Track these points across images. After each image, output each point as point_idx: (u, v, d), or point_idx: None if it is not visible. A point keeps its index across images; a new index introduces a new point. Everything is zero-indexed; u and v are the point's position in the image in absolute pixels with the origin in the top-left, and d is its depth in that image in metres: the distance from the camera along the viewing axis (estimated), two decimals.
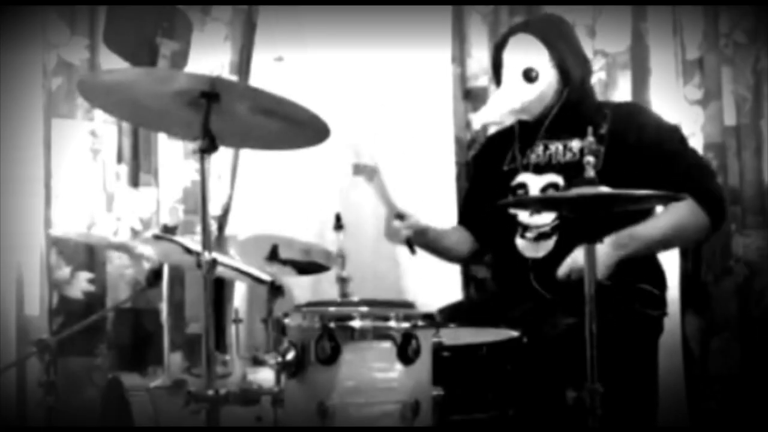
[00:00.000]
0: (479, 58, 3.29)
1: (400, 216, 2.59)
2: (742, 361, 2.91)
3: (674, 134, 2.59)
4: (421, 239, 2.64)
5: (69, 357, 2.75)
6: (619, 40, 3.13)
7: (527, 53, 2.60)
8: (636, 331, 2.42)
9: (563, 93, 2.58)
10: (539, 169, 2.59)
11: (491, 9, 3.33)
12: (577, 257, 2.29)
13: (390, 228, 2.60)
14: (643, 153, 2.44)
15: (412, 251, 2.62)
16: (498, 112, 2.68)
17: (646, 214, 2.46)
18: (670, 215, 2.42)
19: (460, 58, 3.32)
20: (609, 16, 3.15)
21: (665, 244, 2.47)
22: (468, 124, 3.29)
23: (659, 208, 2.50)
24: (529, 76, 2.57)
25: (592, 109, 2.60)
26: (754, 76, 2.98)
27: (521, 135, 2.68)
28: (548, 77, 2.58)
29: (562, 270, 2.34)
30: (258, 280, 2.18)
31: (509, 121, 2.77)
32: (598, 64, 3.12)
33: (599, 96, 3.05)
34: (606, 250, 2.29)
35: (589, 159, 1.94)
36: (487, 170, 2.78)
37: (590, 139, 1.97)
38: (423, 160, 3.30)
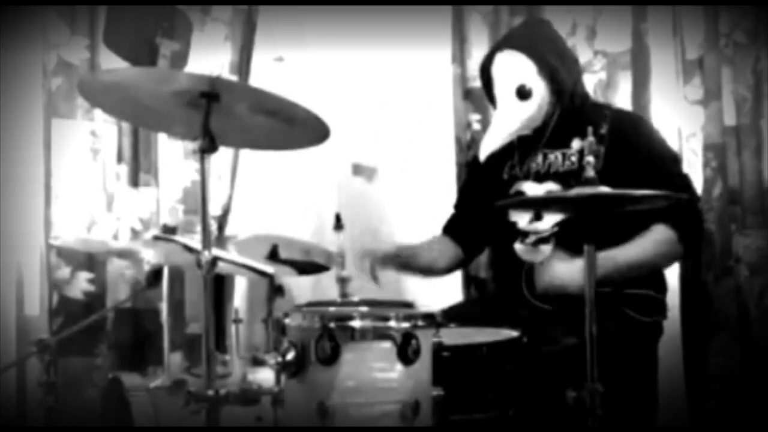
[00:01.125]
0: (479, 58, 3.27)
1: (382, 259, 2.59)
2: (742, 361, 2.90)
3: (671, 157, 2.58)
4: (394, 262, 2.65)
5: (69, 357, 2.75)
6: (620, 40, 3.13)
7: (515, 70, 2.58)
8: (635, 335, 2.42)
9: (558, 103, 2.58)
10: (539, 177, 2.59)
11: (491, 9, 3.33)
12: (554, 273, 2.30)
13: (360, 263, 2.59)
14: (637, 166, 2.43)
15: (377, 282, 2.61)
16: (501, 138, 2.66)
17: (644, 214, 2.46)
18: (648, 244, 2.41)
19: (460, 58, 3.32)
20: (609, 16, 3.15)
21: (639, 269, 2.44)
22: (468, 125, 3.29)
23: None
24: (523, 93, 2.56)
25: (590, 110, 2.59)
26: (754, 76, 2.97)
27: (520, 144, 2.67)
28: (540, 90, 2.57)
29: (542, 285, 2.34)
30: (260, 273, 2.18)
31: (511, 139, 2.76)
32: (598, 64, 3.12)
33: (599, 97, 3.05)
34: (581, 269, 2.29)
35: (589, 159, 1.93)
36: (483, 178, 2.77)
37: (590, 139, 1.96)
38: (423, 160, 3.31)
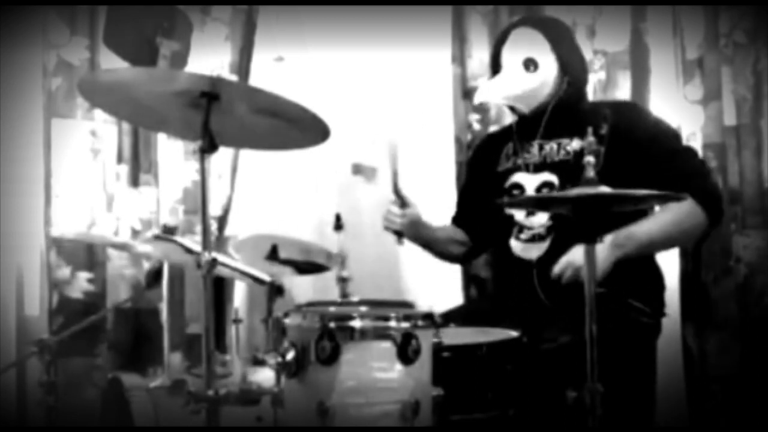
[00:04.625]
0: (479, 58, 3.29)
1: (403, 203, 2.57)
2: (742, 361, 2.91)
3: (672, 133, 2.59)
4: (415, 231, 2.63)
5: (69, 357, 2.75)
6: (619, 40, 3.13)
7: (529, 45, 2.62)
8: (633, 334, 2.42)
9: (561, 88, 2.58)
10: (534, 168, 2.60)
11: (491, 9, 3.33)
12: (573, 256, 2.29)
13: (390, 213, 2.59)
14: (641, 152, 2.44)
15: (400, 241, 2.61)
16: (498, 94, 2.68)
17: (645, 214, 2.46)
18: (668, 214, 2.41)
19: (460, 58, 3.32)
20: (609, 16, 3.15)
21: (663, 243, 2.46)
22: (468, 125, 3.29)
23: (657, 207, 2.50)
24: (529, 65, 2.59)
25: (588, 110, 2.59)
26: (754, 76, 2.98)
27: (518, 134, 2.68)
28: (548, 69, 2.59)
29: (558, 268, 2.33)
30: (258, 281, 2.18)
31: (504, 103, 2.77)
32: (598, 64, 3.12)
33: (599, 96, 3.06)
34: (603, 250, 2.29)
35: (589, 159, 1.93)
36: (483, 170, 2.78)
37: (590, 139, 1.96)
38: (423, 160, 3.31)
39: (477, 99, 2.73)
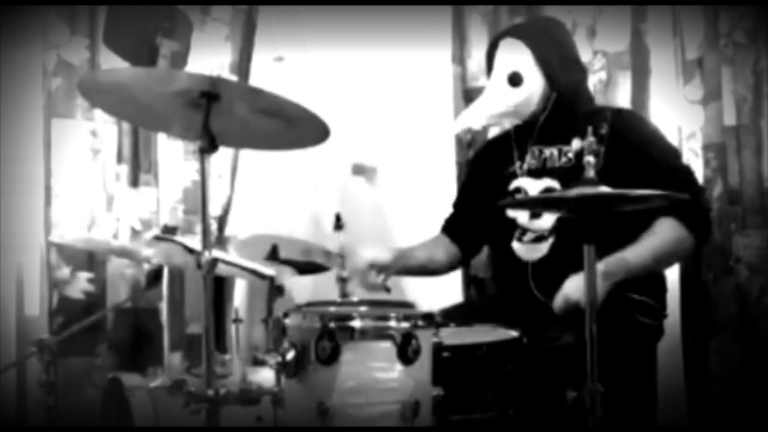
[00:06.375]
0: (479, 58, 3.29)
1: (379, 268, 2.54)
2: (742, 361, 2.90)
3: (671, 150, 2.58)
4: (397, 273, 2.63)
5: (69, 357, 2.75)
6: (619, 40, 3.13)
7: (513, 57, 2.60)
8: (634, 337, 2.42)
9: (551, 97, 2.57)
10: (535, 173, 2.59)
11: (491, 9, 3.33)
12: (567, 290, 2.28)
13: (369, 286, 2.55)
14: (636, 162, 2.43)
15: (388, 291, 2.59)
16: (480, 116, 2.68)
17: (644, 214, 2.45)
18: (655, 239, 2.40)
19: (460, 58, 3.33)
20: (609, 16, 3.15)
21: (652, 267, 2.44)
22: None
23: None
24: (514, 80, 2.57)
25: (587, 113, 2.57)
26: (754, 76, 2.97)
27: (517, 140, 2.67)
28: (534, 81, 2.57)
29: (557, 305, 2.31)
30: (259, 275, 2.18)
31: (493, 123, 2.77)
32: (598, 64, 3.12)
33: (599, 95, 3.05)
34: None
35: (589, 159, 1.93)
36: (483, 175, 2.77)
37: (590, 138, 1.96)
38: (423, 160, 3.31)
39: (456, 128, 2.71)
